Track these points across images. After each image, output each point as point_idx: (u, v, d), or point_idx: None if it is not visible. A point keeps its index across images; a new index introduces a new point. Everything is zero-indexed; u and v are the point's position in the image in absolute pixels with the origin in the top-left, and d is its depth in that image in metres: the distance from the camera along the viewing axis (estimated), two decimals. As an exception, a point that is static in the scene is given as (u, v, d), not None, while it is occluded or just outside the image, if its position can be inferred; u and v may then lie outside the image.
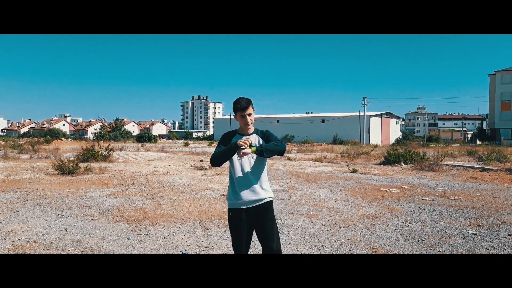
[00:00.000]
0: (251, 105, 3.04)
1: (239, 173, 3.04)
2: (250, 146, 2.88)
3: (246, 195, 3.01)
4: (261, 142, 3.07)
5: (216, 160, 3.02)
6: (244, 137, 2.96)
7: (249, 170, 3.03)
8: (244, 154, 2.84)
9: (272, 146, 2.93)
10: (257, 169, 3.05)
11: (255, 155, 2.97)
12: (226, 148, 2.96)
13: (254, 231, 3.09)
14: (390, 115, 70.37)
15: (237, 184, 3.03)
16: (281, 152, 2.96)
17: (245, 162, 3.03)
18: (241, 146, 2.85)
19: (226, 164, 3.09)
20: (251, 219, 3.03)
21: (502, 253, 4.84)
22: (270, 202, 3.10)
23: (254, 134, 3.12)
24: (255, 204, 3.02)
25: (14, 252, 4.70)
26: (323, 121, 68.22)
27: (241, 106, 3.01)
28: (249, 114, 3.04)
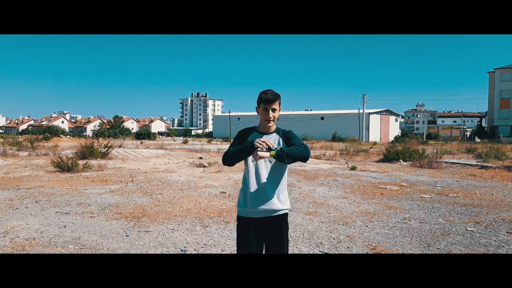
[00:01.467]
0: (279, 101, 2.67)
1: (253, 178, 2.66)
2: (269, 149, 2.48)
3: (259, 204, 2.64)
4: (281, 144, 2.68)
5: (228, 159, 2.64)
6: (264, 137, 2.61)
7: (266, 176, 2.65)
8: (261, 158, 2.45)
9: (294, 151, 2.51)
10: (275, 175, 2.66)
11: (273, 159, 2.58)
12: (241, 147, 2.58)
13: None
14: (389, 112, 70.42)
15: (250, 190, 2.65)
16: (304, 159, 2.55)
17: (261, 166, 2.65)
18: (258, 147, 2.46)
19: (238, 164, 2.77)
20: (261, 231, 2.67)
21: (500, 250, 4.85)
22: (285, 215, 2.71)
23: (274, 134, 2.72)
24: (267, 215, 2.65)
25: (13, 249, 4.70)
26: (322, 118, 68.26)
27: (266, 97, 2.62)
28: (274, 110, 2.64)
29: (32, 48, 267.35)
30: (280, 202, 2.67)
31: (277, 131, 2.75)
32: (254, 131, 2.75)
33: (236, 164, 2.65)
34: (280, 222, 2.67)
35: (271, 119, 2.66)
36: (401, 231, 5.70)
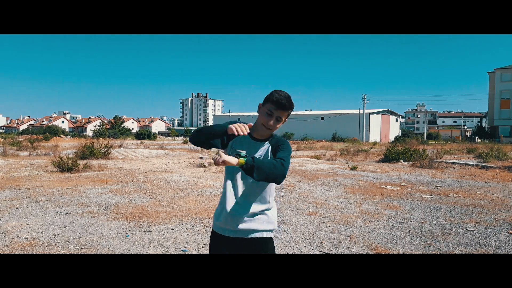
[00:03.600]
0: (289, 112, 2.13)
1: (231, 187, 2.17)
2: (238, 155, 1.90)
3: (233, 220, 2.14)
4: (268, 156, 2.12)
5: (195, 135, 2.09)
6: (242, 126, 1.96)
7: (245, 186, 2.14)
8: (224, 163, 1.86)
9: (268, 165, 1.91)
10: (257, 185, 2.13)
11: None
12: (215, 128, 2.04)
13: None
14: (390, 112, 70.43)
15: (227, 201, 2.17)
16: (274, 178, 1.93)
17: (242, 172, 2.09)
18: (233, 133, 1.92)
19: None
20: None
21: (501, 250, 4.85)
22: (268, 240, 2.17)
23: (267, 143, 2.16)
24: (245, 236, 2.14)
25: (13, 249, 4.71)
26: (322, 118, 68.27)
27: (280, 100, 2.04)
28: (279, 119, 2.09)
29: (32, 48, 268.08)
30: (261, 221, 2.16)
31: (271, 139, 2.17)
32: (249, 134, 2.14)
33: (200, 146, 2.13)
34: (261, 245, 2.15)
35: (271, 128, 2.10)
36: (401, 231, 5.70)
